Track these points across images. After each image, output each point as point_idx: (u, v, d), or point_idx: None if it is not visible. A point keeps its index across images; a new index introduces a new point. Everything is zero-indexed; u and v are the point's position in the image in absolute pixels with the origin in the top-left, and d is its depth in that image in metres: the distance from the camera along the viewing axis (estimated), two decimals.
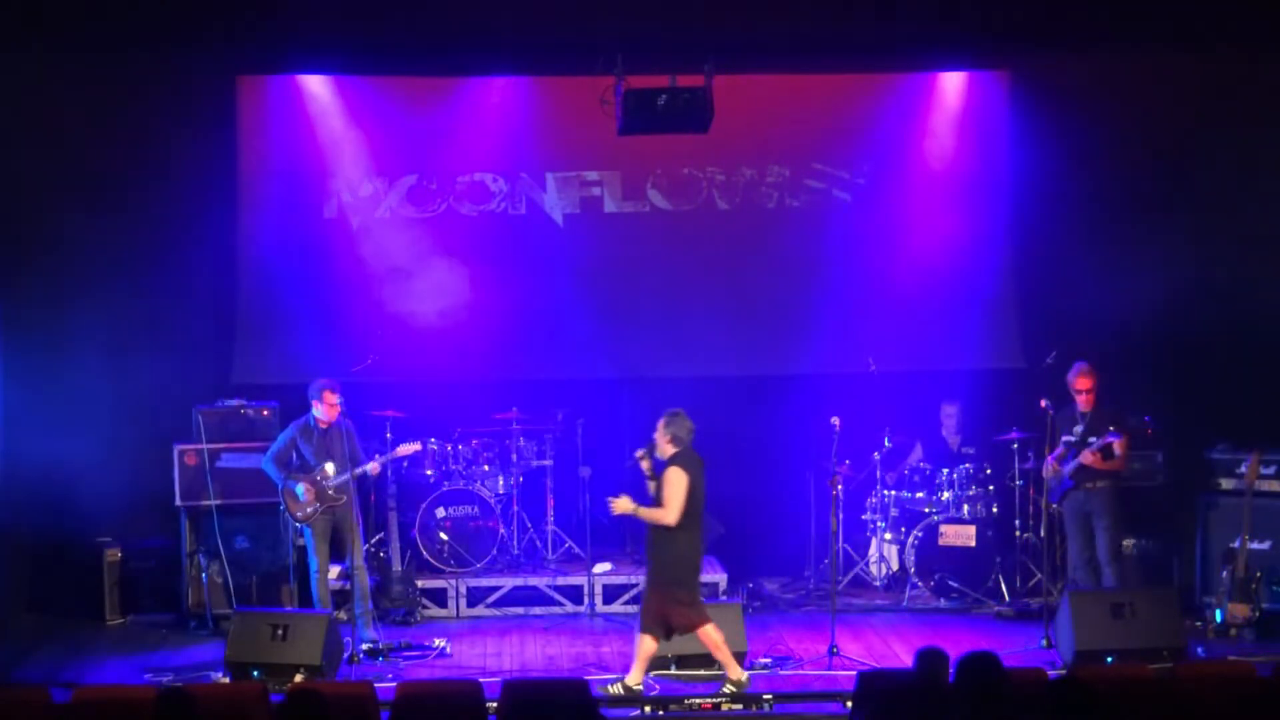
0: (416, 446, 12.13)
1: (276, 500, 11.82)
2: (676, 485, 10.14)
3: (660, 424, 10.29)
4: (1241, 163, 13.13)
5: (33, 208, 12.60)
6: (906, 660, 9.22)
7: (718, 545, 13.44)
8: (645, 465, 10.41)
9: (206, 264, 13.28)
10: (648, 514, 10.24)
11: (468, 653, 11.51)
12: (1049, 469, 11.76)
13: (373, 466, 11.72)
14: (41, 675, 10.85)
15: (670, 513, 10.14)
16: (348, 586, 11.68)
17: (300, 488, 11.59)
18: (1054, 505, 12.06)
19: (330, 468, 11.55)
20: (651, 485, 10.38)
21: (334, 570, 12.07)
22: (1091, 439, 11.62)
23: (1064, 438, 11.75)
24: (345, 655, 10.85)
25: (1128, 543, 12.31)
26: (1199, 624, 11.74)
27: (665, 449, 10.26)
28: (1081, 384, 11.72)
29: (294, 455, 11.69)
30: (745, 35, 12.45)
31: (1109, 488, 11.72)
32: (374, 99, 13.57)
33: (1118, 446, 11.58)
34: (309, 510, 11.60)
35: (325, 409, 11.58)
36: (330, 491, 11.59)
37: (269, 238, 13.54)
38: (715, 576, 12.82)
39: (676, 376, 13.61)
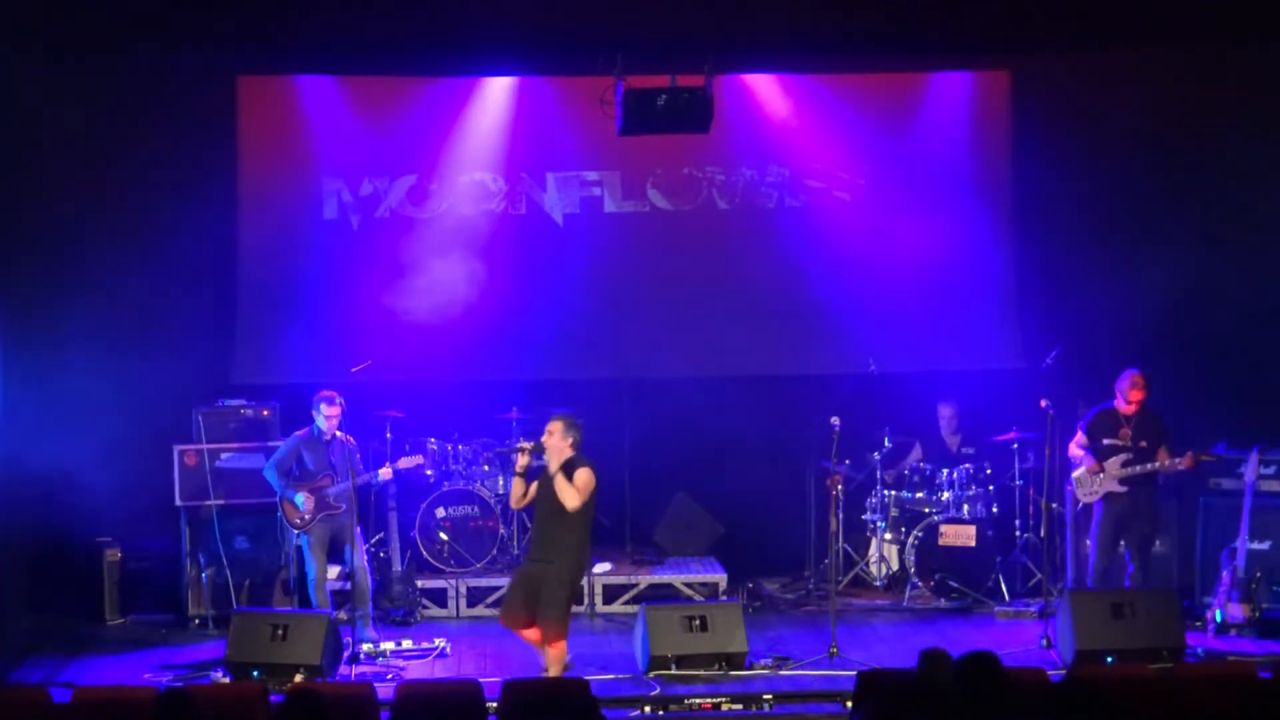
0: (419, 460, 12.14)
1: (276, 502, 11.83)
2: (589, 480, 10.19)
3: (559, 426, 10.26)
4: (1241, 162, 13.10)
5: (33, 207, 12.58)
6: (907, 660, 9.19)
7: (718, 545, 13.45)
8: (522, 460, 10.35)
9: (207, 264, 13.28)
10: (563, 484, 10.16)
11: (468, 653, 11.49)
12: (1089, 469, 11.69)
13: (385, 472, 11.76)
14: (41, 675, 10.85)
15: (579, 497, 10.14)
16: (348, 587, 11.69)
17: (300, 496, 11.59)
18: (1053, 505, 12.06)
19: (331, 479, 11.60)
20: (518, 481, 10.34)
21: (334, 571, 12.06)
22: (1143, 443, 11.61)
23: (1105, 440, 11.71)
24: (345, 655, 10.84)
25: (1159, 543, 12.34)
26: (1199, 624, 11.73)
27: (563, 451, 10.23)
28: (1134, 395, 11.66)
29: (295, 464, 11.69)
30: (745, 35, 12.44)
31: (1151, 492, 11.72)
32: (375, 99, 13.56)
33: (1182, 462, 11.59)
34: (307, 518, 11.61)
35: (326, 418, 11.59)
36: (330, 500, 11.59)
37: (269, 238, 13.54)
38: (715, 576, 12.82)
39: (676, 376, 13.62)
